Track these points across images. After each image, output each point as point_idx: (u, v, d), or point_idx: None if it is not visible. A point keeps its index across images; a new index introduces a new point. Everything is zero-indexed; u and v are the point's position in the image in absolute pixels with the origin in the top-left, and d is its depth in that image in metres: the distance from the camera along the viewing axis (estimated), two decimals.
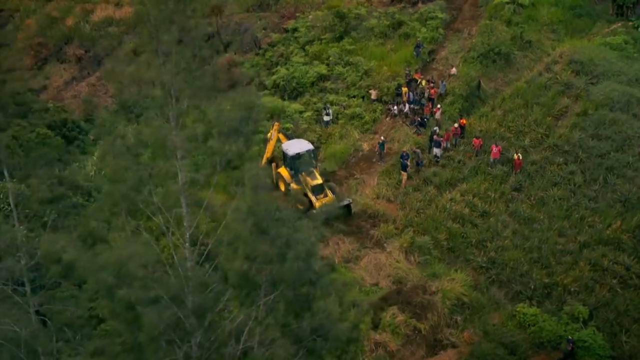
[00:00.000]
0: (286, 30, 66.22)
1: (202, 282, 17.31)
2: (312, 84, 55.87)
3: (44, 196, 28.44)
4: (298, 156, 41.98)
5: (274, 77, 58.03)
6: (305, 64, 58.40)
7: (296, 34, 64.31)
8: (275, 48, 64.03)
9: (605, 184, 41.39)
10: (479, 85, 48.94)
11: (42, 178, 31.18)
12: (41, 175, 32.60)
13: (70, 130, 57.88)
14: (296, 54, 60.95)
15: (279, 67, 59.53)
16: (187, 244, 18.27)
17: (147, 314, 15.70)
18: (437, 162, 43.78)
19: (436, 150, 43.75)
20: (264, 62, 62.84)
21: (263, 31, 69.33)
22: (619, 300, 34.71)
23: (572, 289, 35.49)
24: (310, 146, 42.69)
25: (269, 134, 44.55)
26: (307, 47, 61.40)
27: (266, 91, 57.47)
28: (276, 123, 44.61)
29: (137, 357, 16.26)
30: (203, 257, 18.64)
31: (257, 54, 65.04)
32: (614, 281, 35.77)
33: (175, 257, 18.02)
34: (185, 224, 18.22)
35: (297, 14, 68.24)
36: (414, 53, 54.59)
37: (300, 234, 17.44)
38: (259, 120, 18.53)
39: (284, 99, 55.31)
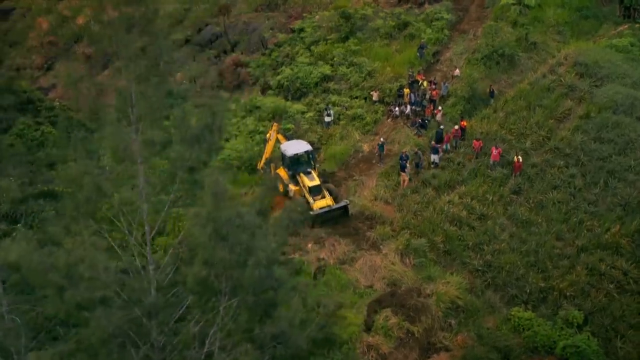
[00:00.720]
0: (293, 31, 66.22)
1: (163, 285, 17.24)
2: (316, 84, 55.85)
3: (15, 196, 28.48)
4: (296, 157, 41.91)
5: (279, 77, 58.10)
6: (310, 64, 58.41)
7: (302, 34, 64.36)
8: (281, 48, 64.10)
9: (606, 187, 40.94)
10: (492, 92, 48.20)
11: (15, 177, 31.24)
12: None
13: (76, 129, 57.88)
14: (302, 55, 60.96)
15: (284, 68, 59.60)
16: (148, 247, 18.23)
17: (96, 315, 15.66)
18: (435, 167, 43.44)
19: (434, 157, 43.46)
20: (270, 62, 62.92)
21: (270, 31, 69.35)
22: (615, 306, 34.35)
23: (568, 294, 35.16)
24: (308, 147, 42.60)
25: (268, 135, 44.60)
26: (312, 48, 61.43)
27: (270, 91, 57.54)
28: (275, 124, 44.61)
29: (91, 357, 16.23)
30: (166, 260, 18.60)
31: (263, 54, 65.12)
32: (611, 286, 35.37)
33: (137, 260, 17.98)
34: (145, 227, 18.17)
35: (304, 14, 68.21)
36: (417, 54, 54.36)
37: (261, 241, 17.32)
38: (222, 127, 18.48)
39: (288, 100, 55.32)
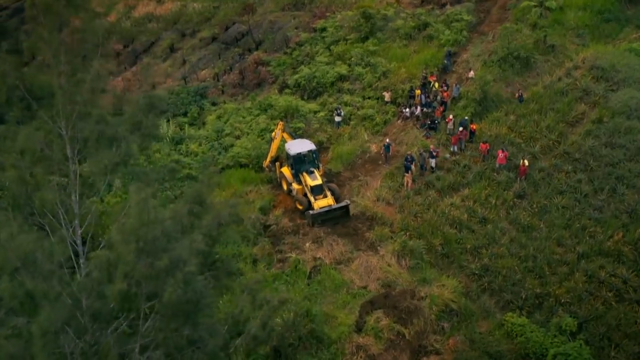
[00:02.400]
0: (315, 30, 66.33)
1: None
2: (332, 84, 55.83)
3: None
4: (299, 156, 41.98)
5: (296, 76, 58.25)
6: (328, 64, 58.46)
7: (324, 34, 64.54)
8: (302, 47, 64.26)
9: (613, 193, 40.20)
10: (520, 97, 47.59)
11: None
12: None
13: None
14: (321, 54, 61.07)
15: (302, 67, 59.67)
16: (79, 247, 18.47)
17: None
18: (433, 172, 43.12)
19: (431, 161, 43.15)
20: (291, 61, 63.07)
21: (295, 30, 69.54)
22: (612, 314, 33.64)
23: (564, 300, 34.55)
24: (312, 146, 42.65)
25: (273, 133, 44.76)
26: (332, 47, 61.45)
27: (288, 90, 57.69)
28: (280, 122, 44.71)
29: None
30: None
31: (285, 53, 65.27)
32: (610, 294, 34.69)
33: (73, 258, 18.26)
34: (75, 221, 18.40)
35: (327, 14, 68.24)
36: (445, 61, 53.49)
37: (183, 255, 17.43)
38: (158, 115, 18.63)
39: (304, 99, 55.44)
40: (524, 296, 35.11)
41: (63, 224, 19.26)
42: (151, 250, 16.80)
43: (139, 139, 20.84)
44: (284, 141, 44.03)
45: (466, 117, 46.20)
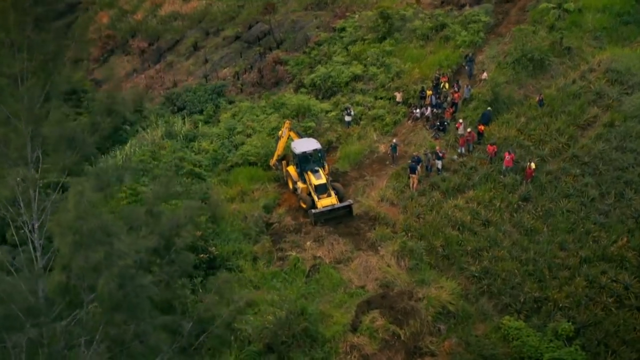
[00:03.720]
0: (334, 30, 66.44)
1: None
2: (347, 83, 55.88)
3: None
4: (305, 155, 42.12)
5: (312, 75, 58.50)
6: (344, 63, 58.59)
7: (342, 34, 64.62)
8: (321, 47, 64.55)
9: (621, 198, 39.54)
10: (540, 101, 46.67)
11: None
12: None
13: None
14: (338, 54, 61.23)
15: (319, 66, 59.82)
16: (36, 242, 18.74)
17: None
18: (439, 174, 42.89)
19: (438, 163, 42.94)
20: (309, 60, 63.29)
21: (316, 30, 69.73)
22: (611, 320, 33.10)
23: (562, 305, 34.07)
24: (318, 145, 42.77)
25: (280, 132, 44.96)
26: (350, 47, 61.48)
27: (303, 89, 57.90)
28: (287, 121, 44.89)
29: None
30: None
31: (304, 52, 65.50)
32: (610, 300, 34.06)
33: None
34: (33, 215, 18.66)
35: (347, 14, 68.31)
36: (466, 67, 52.95)
37: (121, 250, 17.57)
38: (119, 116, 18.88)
39: (319, 98, 55.60)
40: (522, 300, 34.70)
41: (25, 218, 19.56)
42: (88, 243, 16.98)
43: (98, 140, 21.06)
44: (291, 140, 44.18)
45: (489, 108, 46.23)
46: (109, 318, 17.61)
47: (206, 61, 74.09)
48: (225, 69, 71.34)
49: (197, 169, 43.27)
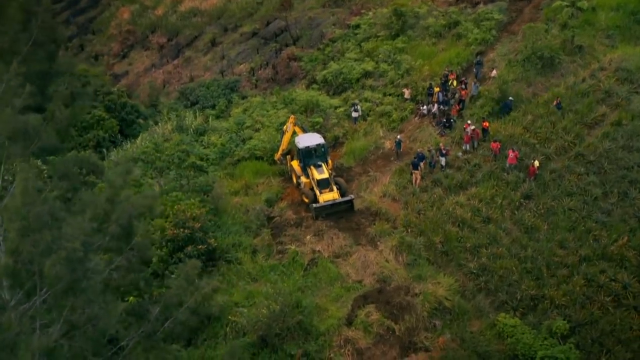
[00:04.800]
0: (349, 27, 66.55)
1: None
2: (357, 80, 55.99)
3: None
4: (308, 149, 42.33)
5: (324, 72, 58.65)
6: (357, 60, 58.68)
7: (356, 31, 64.66)
8: (335, 44, 64.58)
9: (624, 197, 39.23)
10: (559, 105, 45.64)
11: None
12: None
13: (129, 113, 60.04)
14: (351, 51, 61.27)
15: (332, 63, 59.96)
16: None
17: None
18: (443, 170, 42.82)
19: (442, 159, 42.90)
20: (323, 57, 63.45)
21: (332, 27, 69.87)
22: (607, 319, 32.89)
23: (559, 303, 33.93)
24: (321, 141, 42.94)
25: (285, 127, 45.16)
26: (363, 44, 61.53)
27: (315, 85, 58.11)
28: (292, 116, 45.11)
29: None
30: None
31: (318, 49, 65.67)
32: (608, 299, 33.84)
33: None
34: None
35: (363, 11, 68.37)
36: (474, 70, 52.48)
37: (68, 233, 17.81)
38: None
39: (330, 94, 55.80)
40: (519, 297, 34.61)
41: None
42: (35, 227, 17.29)
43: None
44: (296, 134, 44.40)
45: (511, 98, 46.44)
46: (60, 301, 17.88)
47: (223, 57, 74.52)
48: (242, 65, 71.70)
49: (199, 162, 43.61)
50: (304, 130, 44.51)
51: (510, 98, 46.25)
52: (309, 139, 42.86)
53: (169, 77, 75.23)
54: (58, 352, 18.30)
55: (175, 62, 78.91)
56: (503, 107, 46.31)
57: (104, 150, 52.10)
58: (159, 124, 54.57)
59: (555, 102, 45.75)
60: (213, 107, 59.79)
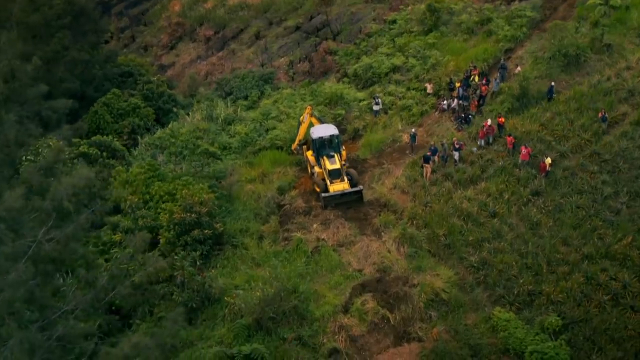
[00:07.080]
0: (386, 22, 67.04)
1: None
2: (386, 74, 56.42)
3: None
4: (321, 140, 43.04)
5: (355, 66, 59.27)
6: (388, 55, 59.14)
7: (392, 26, 65.18)
8: (370, 38, 65.15)
9: (636, 197, 38.72)
10: (604, 117, 43.43)
11: None
12: None
13: (165, 102, 61.72)
14: (385, 45, 61.75)
15: (364, 57, 60.55)
16: None
17: None
18: (456, 165, 42.95)
19: (455, 154, 43.03)
20: (357, 51, 64.12)
21: (372, 22, 70.42)
22: (602, 318, 32.64)
23: (556, 300, 33.80)
24: (335, 131, 43.60)
25: (301, 117, 45.93)
26: (396, 39, 61.90)
27: (346, 79, 58.81)
28: (308, 106, 45.85)
29: None
30: None
31: (354, 44, 66.37)
32: (606, 297, 33.56)
33: None
34: None
35: (401, 7, 68.71)
36: (498, 74, 52.12)
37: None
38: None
39: (358, 88, 56.45)
40: (516, 292, 34.60)
41: None
42: None
43: None
44: (312, 125, 45.17)
45: (553, 83, 46.73)
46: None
47: (265, 50, 75.75)
48: (282, 58, 72.82)
49: (212, 149, 44.64)
50: (320, 121, 45.21)
51: (552, 83, 46.26)
52: (324, 130, 43.60)
53: (212, 69, 76.80)
54: None
55: (220, 54, 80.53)
56: (548, 92, 46.28)
57: (138, 137, 53.74)
58: (190, 113, 55.97)
59: (600, 114, 43.65)
60: (246, 98, 61.08)
